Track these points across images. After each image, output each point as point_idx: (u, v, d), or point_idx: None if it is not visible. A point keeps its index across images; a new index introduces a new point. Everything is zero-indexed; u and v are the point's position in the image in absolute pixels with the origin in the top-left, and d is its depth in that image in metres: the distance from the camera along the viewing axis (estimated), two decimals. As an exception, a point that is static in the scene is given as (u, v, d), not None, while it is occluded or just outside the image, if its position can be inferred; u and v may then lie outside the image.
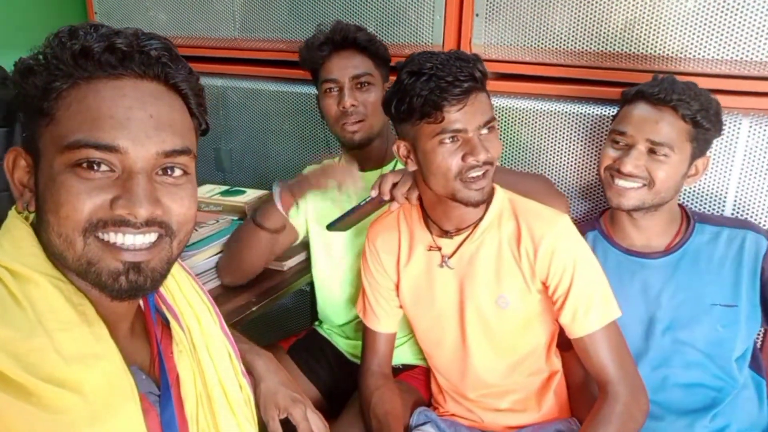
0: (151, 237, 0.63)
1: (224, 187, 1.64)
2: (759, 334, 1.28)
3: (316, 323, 1.58)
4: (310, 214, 1.41)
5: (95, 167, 0.60)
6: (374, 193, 1.12)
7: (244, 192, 1.59)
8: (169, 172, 0.64)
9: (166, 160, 0.63)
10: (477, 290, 1.11)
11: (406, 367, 1.41)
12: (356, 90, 1.30)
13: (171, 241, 0.65)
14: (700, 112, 1.10)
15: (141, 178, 0.61)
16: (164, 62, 0.63)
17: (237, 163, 2.00)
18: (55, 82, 0.60)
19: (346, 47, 1.30)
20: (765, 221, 1.29)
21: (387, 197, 1.11)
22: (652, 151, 1.12)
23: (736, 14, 1.22)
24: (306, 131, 1.82)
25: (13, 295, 0.59)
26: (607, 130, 1.38)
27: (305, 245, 1.47)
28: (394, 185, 1.11)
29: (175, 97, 0.66)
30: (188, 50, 1.93)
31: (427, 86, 0.95)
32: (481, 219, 1.10)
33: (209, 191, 1.61)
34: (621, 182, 1.15)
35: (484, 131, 1.00)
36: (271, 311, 1.94)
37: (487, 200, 1.08)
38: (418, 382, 1.36)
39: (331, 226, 1.20)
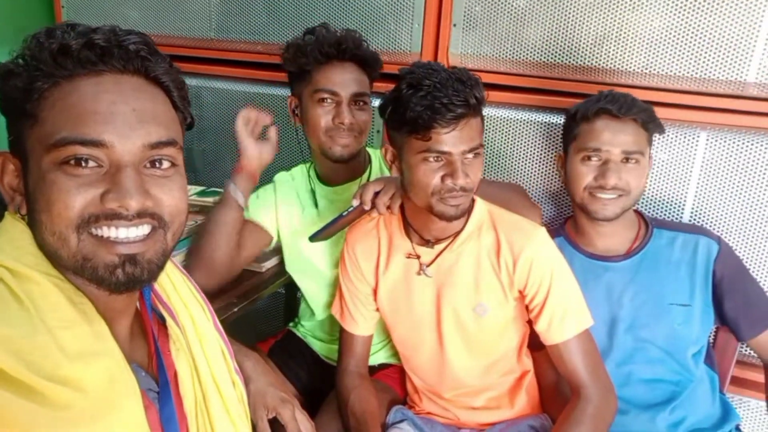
0: (144, 229, 0.64)
1: (200, 188, 1.63)
2: (712, 332, 1.37)
3: (291, 324, 1.59)
4: (282, 220, 1.40)
5: (83, 164, 0.60)
6: (356, 203, 1.13)
7: (220, 193, 1.58)
8: (157, 165, 0.65)
9: (153, 152, 0.64)
10: (455, 298, 1.15)
11: (383, 366, 1.43)
12: (353, 107, 1.26)
13: (165, 233, 0.66)
14: (653, 119, 1.22)
15: (129, 171, 0.62)
16: (143, 56, 0.64)
17: (209, 163, 1.99)
18: (36, 82, 0.61)
19: (352, 60, 1.25)
20: (720, 228, 1.38)
21: (368, 207, 1.12)
22: (624, 161, 1.20)
23: (698, 35, 1.31)
24: (281, 134, 1.82)
25: (15, 293, 0.59)
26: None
27: (277, 249, 1.48)
28: (376, 194, 1.12)
29: (158, 90, 0.67)
30: (162, 49, 1.89)
31: (421, 103, 0.97)
32: (461, 230, 1.13)
33: (185, 191, 1.59)
34: (603, 195, 1.21)
35: (469, 156, 1.02)
36: (245, 314, 1.93)
37: (467, 214, 1.12)
38: (394, 381, 1.39)
39: (313, 238, 1.20)
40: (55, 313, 0.60)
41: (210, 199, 1.53)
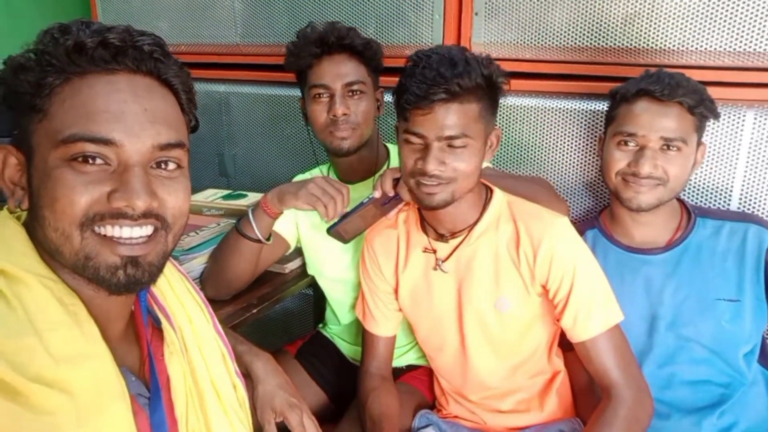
0: (147, 230, 0.63)
1: (226, 192, 1.65)
2: (768, 330, 1.25)
3: (320, 325, 1.58)
4: (301, 221, 1.38)
5: (91, 161, 0.60)
6: (377, 194, 1.10)
7: (245, 195, 1.60)
8: (163, 166, 0.65)
9: (161, 153, 0.64)
10: (475, 294, 1.10)
11: (410, 368, 1.40)
12: (348, 98, 1.24)
13: (166, 235, 0.65)
14: (703, 102, 1.10)
15: (137, 171, 0.61)
16: (156, 57, 0.64)
17: (241, 168, 2.01)
18: (48, 77, 0.60)
19: (340, 51, 1.23)
20: (772, 215, 1.26)
21: (391, 194, 1.09)
22: (664, 148, 1.11)
23: (738, 4, 1.20)
24: (308, 135, 1.81)
25: (3, 294, 0.59)
26: (608, 126, 1.37)
27: (300, 250, 1.46)
28: (396, 183, 1.10)
29: (167, 92, 0.67)
30: (191, 57, 1.95)
31: (405, 84, 0.96)
32: (476, 222, 1.08)
33: (211, 195, 1.61)
34: (637, 183, 1.13)
35: (445, 143, 0.97)
36: (275, 315, 1.94)
37: (482, 207, 1.08)
38: (422, 384, 1.35)
39: (330, 230, 1.17)
40: (44, 315, 0.59)
41: (234, 203, 1.54)
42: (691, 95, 1.09)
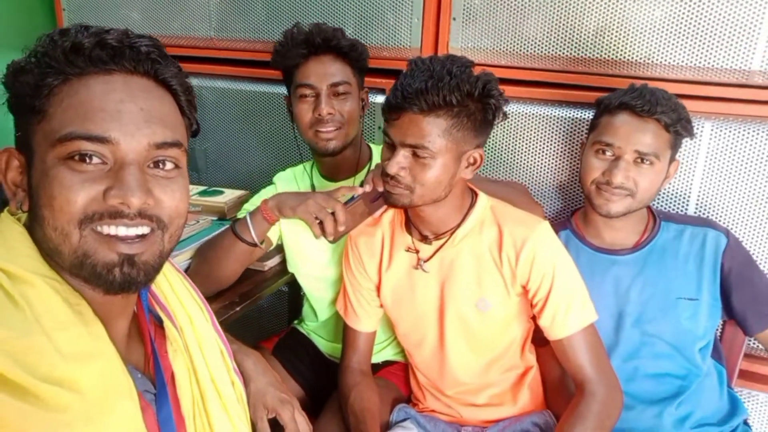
0: (143, 230, 0.64)
1: (202, 188, 1.63)
2: (719, 326, 1.35)
3: (296, 321, 1.59)
4: (284, 219, 1.37)
5: (87, 159, 0.61)
6: (368, 188, 1.12)
7: (222, 192, 1.59)
8: (161, 166, 0.65)
9: (158, 152, 0.64)
10: (457, 294, 1.14)
11: (387, 364, 1.43)
12: (333, 98, 1.26)
13: (163, 235, 0.66)
14: (680, 121, 1.16)
15: (133, 169, 0.62)
16: (154, 58, 0.65)
17: (212, 162, 1.99)
18: (47, 78, 0.61)
19: (326, 52, 1.26)
20: (726, 219, 1.36)
21: (381, 189, 1.10)
22: (637, 161, 1.17)
23: (700, 23, 1.28)
24: (281, 132, 1.82)
25: (10, 295, 0.59)
26: (580, 132, 1.44)
27: (280, 248, 1.47)
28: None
29: (166, 93, 0.67)
30: (163, 49, 1.91)
31: (392, 88, 1.01)
32: (459, 226, 1.12)
33: (187, 191, 1.59)
34: (608, 192, 1.19)
35: (407, 150, 1.02)
36: (249, 312, 1.93)
37: (466, 210, 1.12)
38: (398, 378, 1.39)
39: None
40: (51, 315, 0.60)
41: (211, 199, 1.53)
42: (669, 114, 1.14)
